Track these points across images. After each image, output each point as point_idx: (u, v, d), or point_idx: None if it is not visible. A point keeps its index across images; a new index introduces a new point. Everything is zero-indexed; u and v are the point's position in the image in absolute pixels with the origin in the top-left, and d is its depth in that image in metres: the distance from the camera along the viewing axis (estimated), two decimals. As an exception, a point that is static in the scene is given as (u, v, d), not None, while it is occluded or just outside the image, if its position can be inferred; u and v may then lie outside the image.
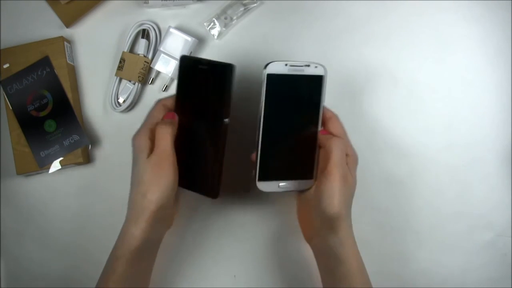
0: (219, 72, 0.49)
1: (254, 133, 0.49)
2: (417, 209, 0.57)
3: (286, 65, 0.49)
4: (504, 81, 0.58)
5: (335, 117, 0.50)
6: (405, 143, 0.58)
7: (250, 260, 0.58)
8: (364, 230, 0.56)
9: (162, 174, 0.46)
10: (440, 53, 0.58)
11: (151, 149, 0.47)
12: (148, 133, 0.48)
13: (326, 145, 0.48)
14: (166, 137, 0.47)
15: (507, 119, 0.57)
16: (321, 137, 0.50)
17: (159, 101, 0.51)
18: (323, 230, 0.48)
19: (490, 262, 0.56)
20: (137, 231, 0.46)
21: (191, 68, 0.50)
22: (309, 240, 0.52)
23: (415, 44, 0.59)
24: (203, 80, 0.50)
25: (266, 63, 0.49)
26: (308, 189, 0.51)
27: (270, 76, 0.49)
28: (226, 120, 0.49)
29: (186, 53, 0.59)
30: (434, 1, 0.59)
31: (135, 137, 0.48)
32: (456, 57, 0.58)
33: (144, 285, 0.52)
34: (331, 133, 0.50)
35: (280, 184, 0.51)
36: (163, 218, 0.49)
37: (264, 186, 0.51)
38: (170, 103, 0.51)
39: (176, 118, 0.50)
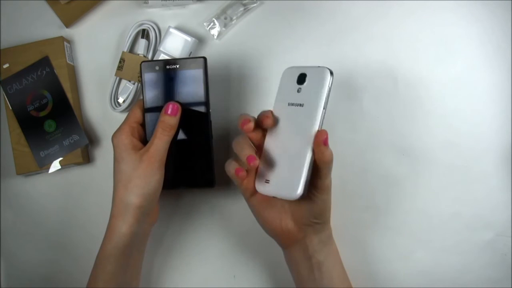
0: (195, 67, 0.51)
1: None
2: (416, 209, 0.57)
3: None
4: (504, 81, 0.57)
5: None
6: (405, 143, 0.58)
7: (250, 260, 0.58)
8: (363, 230, 0.56)
9: (152, 172, 0.47)
10: (440, 53, 0.58)
11: (135, 146, 0.48)
12: (129, 131, 0.49)
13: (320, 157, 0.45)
14: (164, 138, 0.48)
15: (507, 119, 0.57)
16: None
17: (139, 101, 0.52)
18: (309, 238, 0.48)
19: (490, 262, 0.55)
20: (125, 226, 0.47)
21: (159, 70, 0.52)
22: (287, 246, 0.50)
23: (415, 43, 0.59)
24: (177, 79, 0.51)
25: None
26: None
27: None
28: (210, 110, 0.51)
29: (186, 53, 0.58)
30: (434, 0, 0.59)
31: (116, 136, 0.49)
32: (456, 57, 0.58)
33: (135, 283, 0.52)
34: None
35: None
36: (148, 214, 0.49)
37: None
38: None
39: (179, 113, 0.50)
